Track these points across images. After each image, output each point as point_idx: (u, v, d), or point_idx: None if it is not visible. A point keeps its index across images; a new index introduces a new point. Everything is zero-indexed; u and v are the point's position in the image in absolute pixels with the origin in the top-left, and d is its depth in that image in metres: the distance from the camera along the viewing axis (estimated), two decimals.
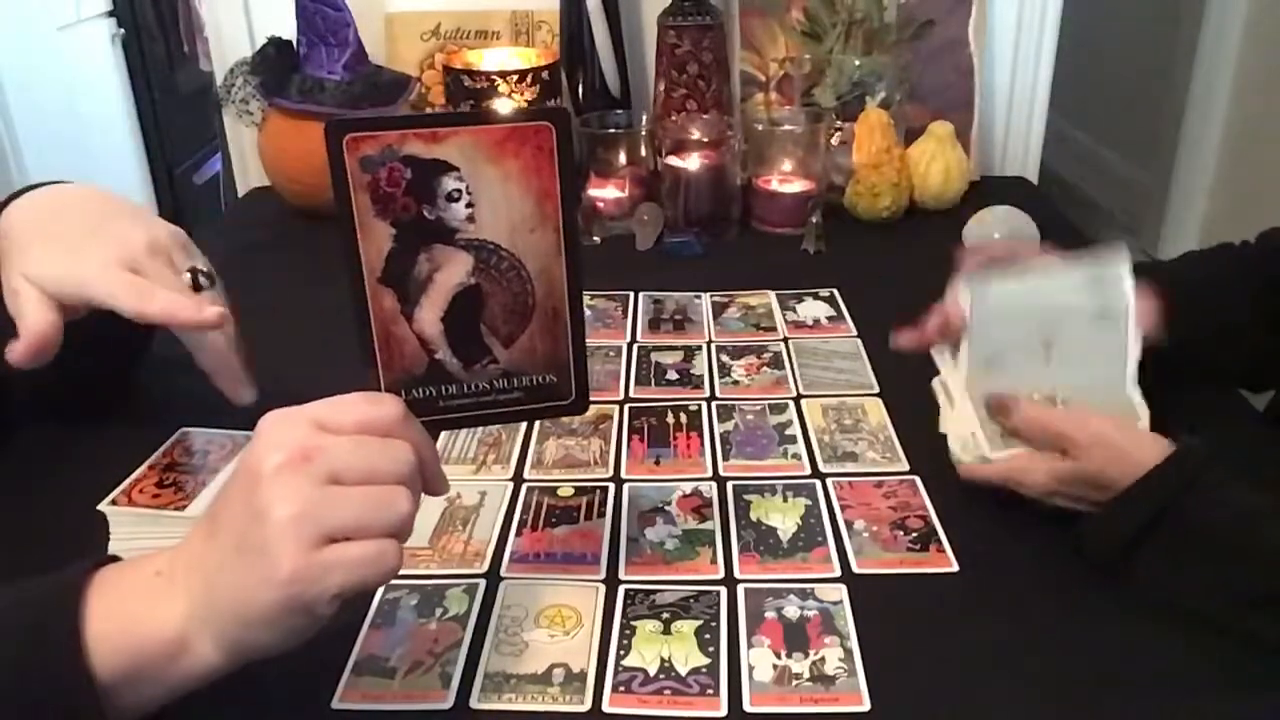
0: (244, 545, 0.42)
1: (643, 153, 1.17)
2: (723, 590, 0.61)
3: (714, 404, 0.81)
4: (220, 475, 0.71)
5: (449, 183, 0.50)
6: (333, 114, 1.13)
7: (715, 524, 0.67)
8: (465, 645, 0.57)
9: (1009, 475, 0.65)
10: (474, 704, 0.53)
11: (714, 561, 0.63)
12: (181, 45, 2.97)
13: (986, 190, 1.25)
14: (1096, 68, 2.80)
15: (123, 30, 2.84)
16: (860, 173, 1.17)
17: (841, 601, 0.60)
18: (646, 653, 0.56)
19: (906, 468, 0.72)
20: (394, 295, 0.51)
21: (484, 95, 1.15)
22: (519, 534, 0.66)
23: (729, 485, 0.71)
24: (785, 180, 1.17)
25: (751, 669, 0.55)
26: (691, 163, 1.13)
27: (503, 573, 0.63)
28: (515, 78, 1.15)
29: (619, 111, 1.21)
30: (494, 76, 1.15)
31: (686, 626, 0.58)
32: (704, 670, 0.55)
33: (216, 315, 0.63)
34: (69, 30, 2.62)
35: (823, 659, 0.55)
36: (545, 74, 1.17)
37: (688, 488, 0.71)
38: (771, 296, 1.00)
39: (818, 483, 0.71)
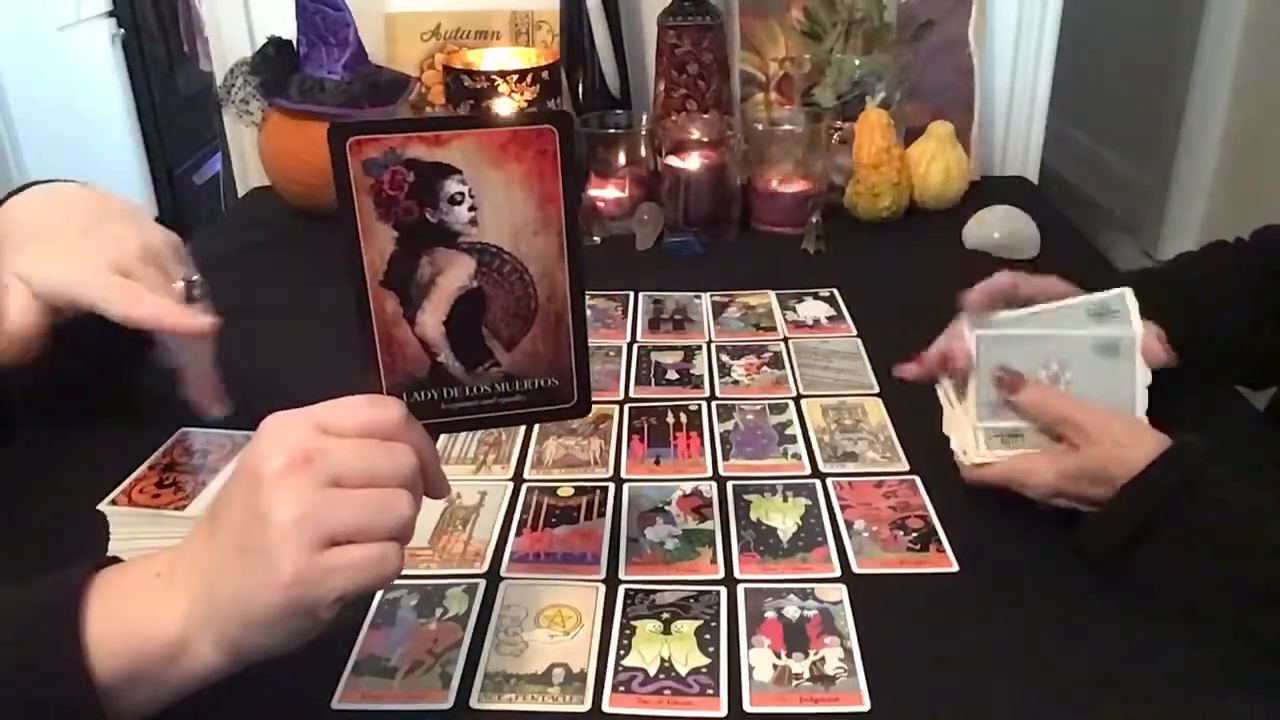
0: (245, 547, 0.42)
1: (643, 153, 1.17)
2: (723, 590, 0.61)
3: (714, 404, 0.81)
4: (220, 475, 0.71)
5: (452, 186, 0.50)
6: (333, 114, 1.13)
7: (715, 524, 0.67)
8: (465, 645, 0.57)
9: (1012, 476, 0.65)
10: (474, 704, 0.53)
11: (714, 561, 0.63)
12: (181, 45, 2.98)
13: (986, 190, 1.25)
14: (1096, 68, 2.80)
15: (123, 30, 2.84)
16: (860, 173, 1.17)
17: (841, 601, 0.60)
18: (646, 653, 0.56)
19: (906, 468, 0.72)
20: (396, 298, 0.51)
21: (484, 95, 1.15)
22: (519, 534, 0.66)
23: (729, 485, 0.71)
24: (785, 180, 1.17)
25: (751, 669, 0.55)
26: (691, 163, 1.13)
27: (503, 573, 0.63)
28: (515, 78, 1.15)
29: (619, 111, 1.21)
30: (494, 76, 1.15)
31: (686, 626, 0.58)
32: (704, 670, 0.55)
33: (206, 323, 0.63)
34: (69, 30, 2.62)
35: (823, 659, 0.55)
36: (545, 74, 1.17)
37: (688, 488, 0.71)
38: (771, 296, 1.00)
39: (818, 483, 0.71)
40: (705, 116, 1.21)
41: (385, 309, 0.51)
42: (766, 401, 0.81)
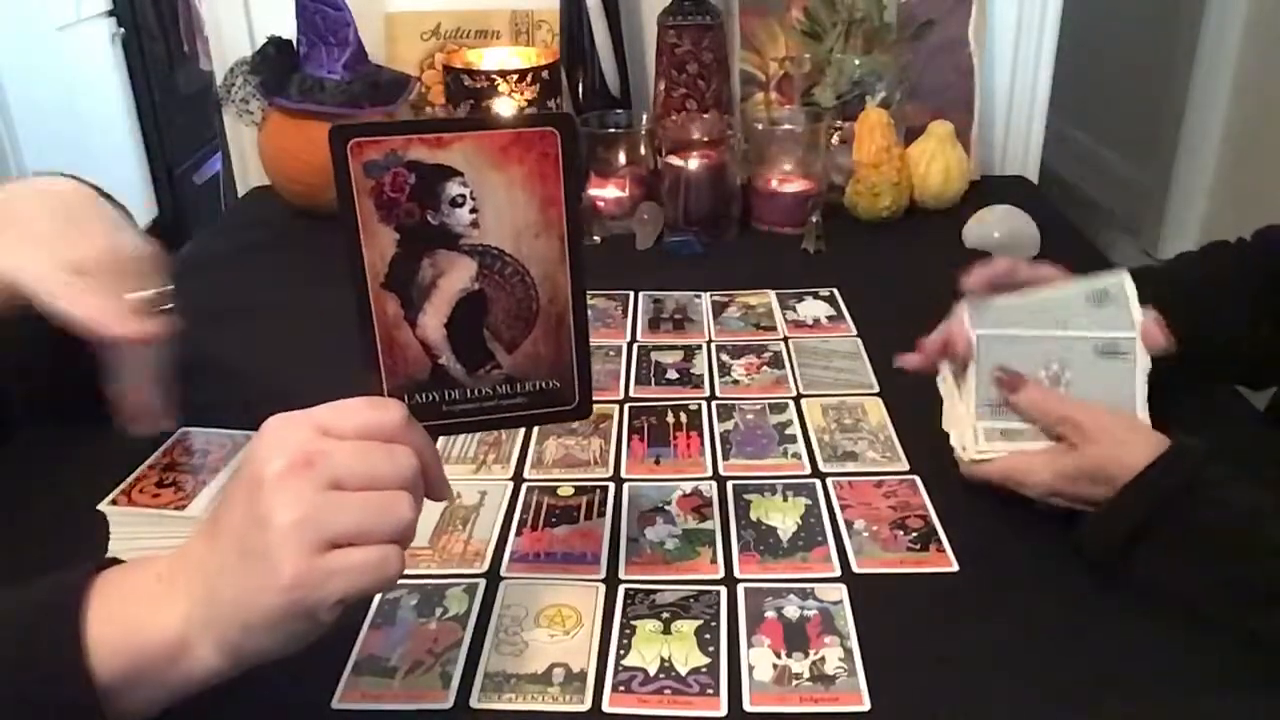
0: (246, 550, 0.42)
1: (643, 152, 1.17)
2: (723, 590, 0.61)
3: (714, 403, 0.81)
4: (220, 475, 0.71)
5: (453, 188, 0.49)
6: (332, 113, 1.13)
7: (715, 524, 0.67)
8: (465, 645, 0.57)
9: (1010, 474, 0.65)
10: (474, 704, 0.53)
11: (714, 561, 0.63)
12: (181, 45, 2.98)
13: (986, 190, 1.25)
14: (1096, 68, 2.80)
15: (123, 30, 2.84)
16: (860, 172, 1.17)
17: (841, 601, 0.60)
18: (646, 652, 0.56)
19: (906, 467, 0.72)
20: (397, 300, 0.51)
21: (484, 95, 1.15)
22: (519, 534, 0.66)
23: (729, 485, 0.71)
24: (785, 180, 1.17)
25: (751, 669, 0.55)
26: (691, 162, 1.13)
27: (503, 572, 0.63)
28: (515, 78, 1.15)
29: (619, 111, 1.21)
30: (494, 76, 1.15)
31: (686, 626, 0.58)
32: (704, 670, 0.55)
33: (144, 330, 0.60)
34: (69, 30, 2.62)
35: (823, 659, 0.55)
36: (545, 74, 1.17)
37: (688, 487, 0.71)
38: (771, 296, 1.00)
39: (818, 482, 0.71)
40: (705, 116, 1.21)
41: (386, 311, 0.51)
42: (766, 401, 0.81)
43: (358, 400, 0.46)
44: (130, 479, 0.70)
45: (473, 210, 0.50)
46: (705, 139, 1.14)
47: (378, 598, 0.60)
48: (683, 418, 0.79)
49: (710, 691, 0.53)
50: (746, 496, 0.70)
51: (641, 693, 0.54)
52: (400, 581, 0.60)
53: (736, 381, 0.85)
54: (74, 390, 0.76)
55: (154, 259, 0.65)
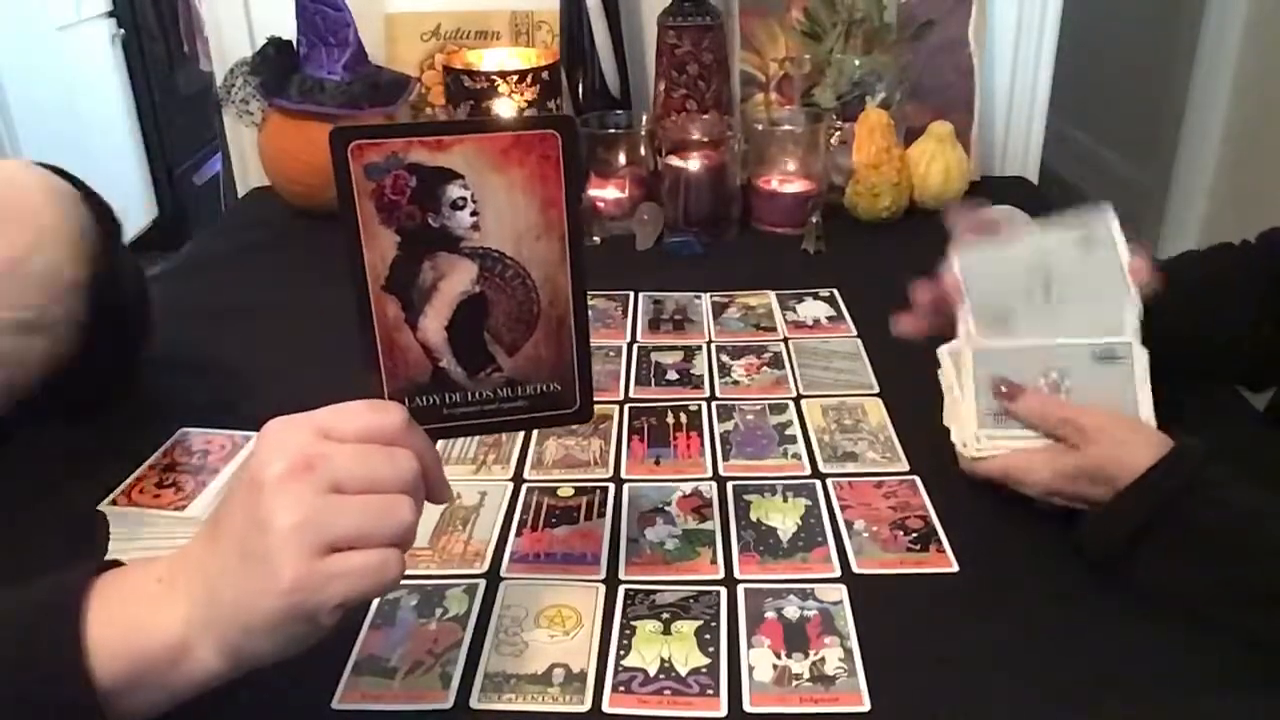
0: (246, 553, 0.42)
1: (643, 153, 1.17)
2: (723, 590, 0.61)
3: (714, 404, 0.81)
4: (220, 475, 0.71)
5: (454, 190, 0.49)
6: (332, 114, 1.13)
7: (715, 524, 0.67)
8: (465, 645, 0.57)
9: (1010, 473, 0.65)
10: (474, 704, 0.53)
11: (714, 561, 0.63)
12: (181, 45, 2.98)
13: (986, 190, 1.25)
14: (1096, 68, 2.80)
15: (123, 30, 2.84)
16: (860, 173, 1.17)
17: (841, 601, 0.60)
18: (646, 653, 0.56)
19: (906, 468, 0.72)
20: (398, 303, 0.51)
21: (484, 95, 1.15)
22: (519, 534, 0.66)
23: (729, 485, 0.71)
24: (785, 180, 1.17)
25: (751, 669, 0.55)
26: (691, 163, 1.13)
27: (503, 573, 0.63)
28: (515, 78, 1.15)
29: (619, 111, 1.21)
30: (494, 77, 1.15)
31: (686, 627, 0.58)
32: (704, 670, 0.55)
33: None
34: (69, 30, 2.62)
35: (823, 659, 0.55)
36: (545, 74, 1.17)
37: (688, 488, 0.71)
38: (771, 296, 1.00)
39: (818, 483, 0.71)
40: (705, 116, 1.21)
41: (387, 314, 0.51)
42: (766, 401, 0.81)
43: (358, 403, 0.46)
44: (130, 479, 0.70)
45: (473, 213, 0.50)
46: (705, 139, 1.14)
47: (378, 598, 0.60)
48: (683, 418, 0.79)
49: (710, 692, 0.53)
50: (746, 497, 0.70)
51: (641, 693, 0.54)
52: (400, 582, 0.60)
53: (736, 382, 0.85)
54: (74, 390, 0.76)
55: (53, 280, 0.63)
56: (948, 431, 0.70)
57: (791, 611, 0.59)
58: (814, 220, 1.12)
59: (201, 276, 1.11)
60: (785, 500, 0.69)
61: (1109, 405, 0.65)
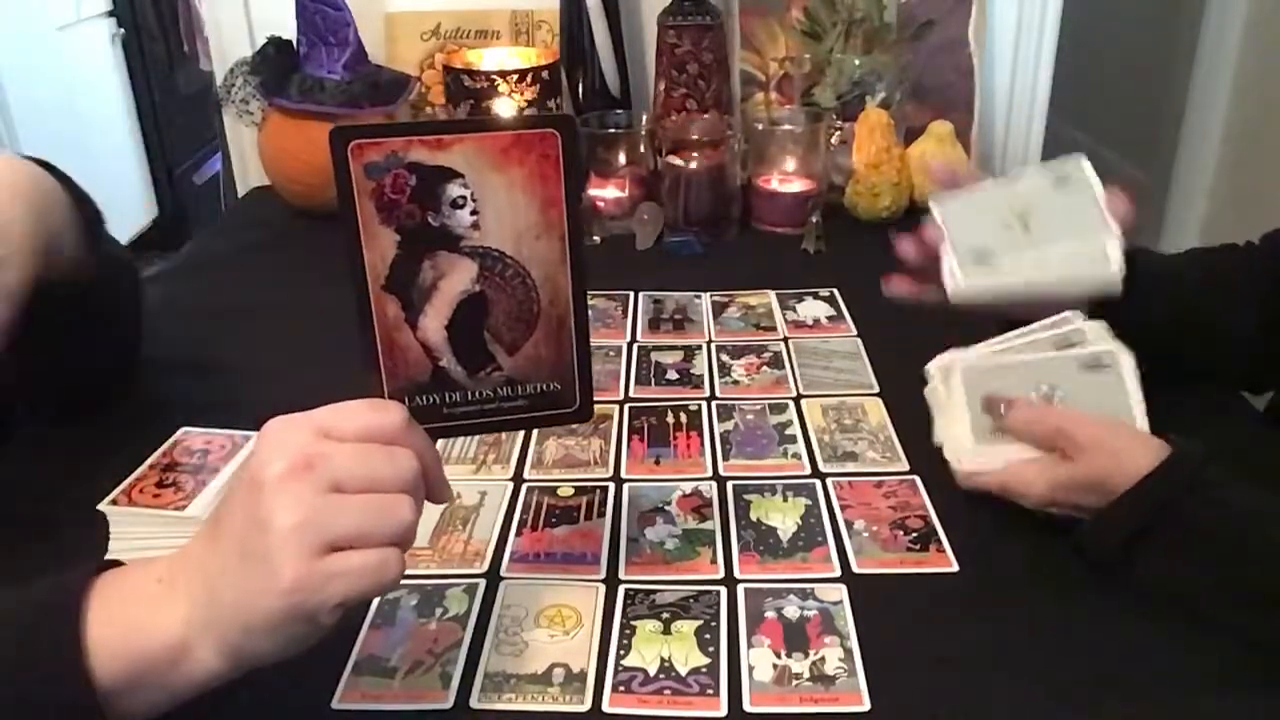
0: (246, 553, 0.42)
1: (643, 152, 1.17)
2: (723, 590, 0.61)
3: (714, 404, 0.81)
4: (220, 475, 0.71)
5: (454, 190, 0.49)
6: (332, 113, 1.13)
7: (715, 524, 0.67)
8: (465, 645, 0.57)
9: (1007, 487, 0.64)
10: (474, 704, 0.53)
11: (714, 561, 0.63)
12: (181, 45, 2.98)
13: None
14: (1096, 68, 2.80)
15: (123, 30, 2.84)
16: (860, 173, 1.17)
17: (841, 601, 0.60)
18: (646, 653, 0.56)
19: (906, 468, 0.72)
20: (398, 302, 0.51)
21: (484, 95, 1.15)
22: (519, 534, 0.66)
23: (729, 485, 0.71)
24: (785, 180, 1.17)
25: (751, 669, 0.55)
26: (691, 163, 1.13)
27: (503, 573, 0.63)
28: (515, 78, 1.15)
29: (619, 111, 1.21)
30: (494, 76, 1.15)
31: (686, 626, 0.58)
32: (704, 670, 0.55)
33: None
34: (69, 30, 2.62)
35: (823, 659, 0.55)
36: (545, 74, 1.17)
37: (688, 487, 0.71)
38: (771, 296, 1.00)
39: (818, 483, 0.71)
40: (705, 116, 1.21)
41: (387, 313, 0.51)
42: (766, 401, 0.81)
43: (358, 402, 0.46)
44: (130, 479, 0.70)
45: (473, 212, 0.50)
46: (705, 139, 1.14)
47: (378, 598, 0.60)
48: (683, 418, 0.79)
49: (710, 692, 0.53)
50: (746, 497, 0.70)
51: (641, 693, 0.54)
52: (400, 581, 0.60)
53: (736, 382, 0.85)
54: (74, 390, 0.76)
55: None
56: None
57: (791, 611, 0.59)
58: (814, 220, 1.12)
59: (201, 276, 1.11)
60: (785, 500, 0.69)
61: (1103, 413, 0.65)
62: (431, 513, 0.67)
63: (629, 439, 0.77)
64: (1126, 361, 0.65)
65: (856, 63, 1.22)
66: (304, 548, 0.42)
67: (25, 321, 0.60)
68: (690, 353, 0.90)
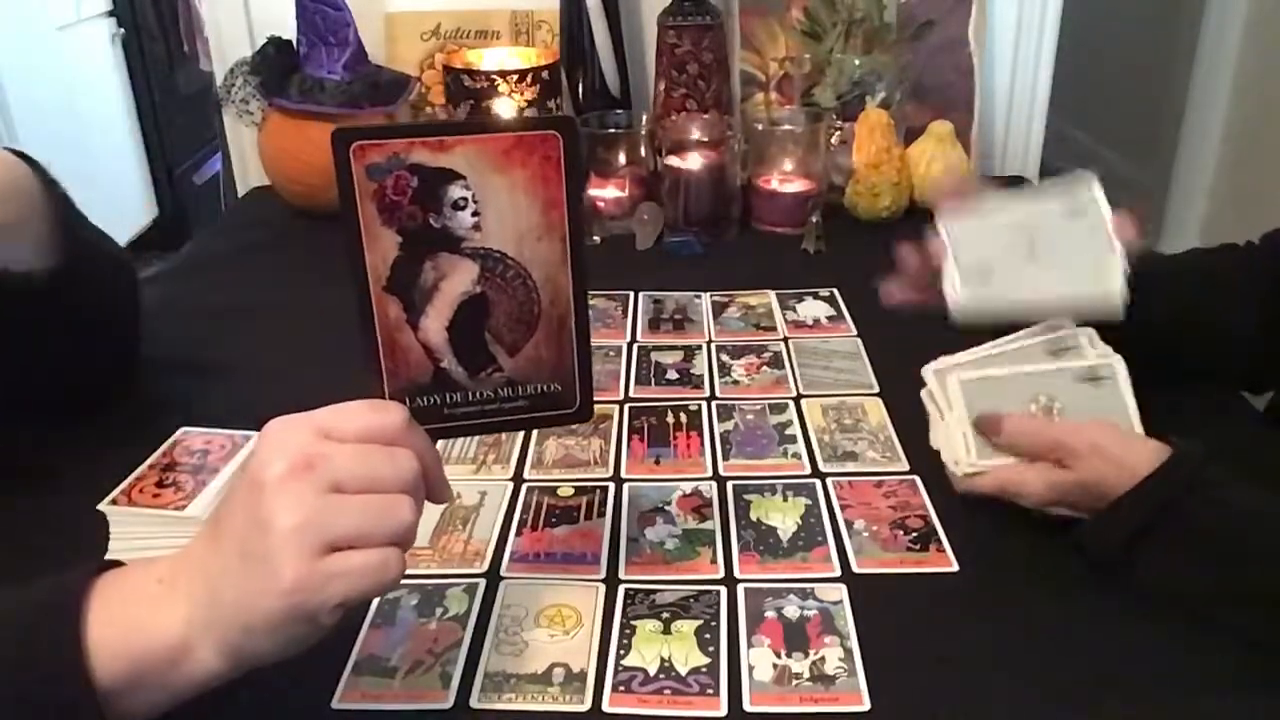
0: (247, 553, 0.42)
1: (643, 153, 1.17)
2: (723, 590, 0.61)
3: (714, 404, 0.81)
4: (220, 475, 0.71)
5: (455, 191, 0.49)
6: (332, 114, 1.13)
7: (715, 524, 0.67)
8: (465, 645, 0.57)
9: (1005, 488, 0.64)
10: (474, 704, 0.53)
11: (714, 561, 0.63)
12: (181, 45, 2.98)
13: None
14: (1096, 68, 2.80)
15: (123, 30, 2.84)
16: (860, 173, 1.17)
17: (841, 601, 0.60)
18: (646, 652, 0.56)
19: (906, 467, 0.72)
20: (399, 303, 0.51)
21: (484, 95, 1.15)
22: (519, 534, 0.66)
23: (729, 485, 0.71)
24: (785, 180, 1.17)
25: (751, 669, 0.55)
26: (691, 163, 1.13)
27: (503, 572, 0.63)
28: (515, 78, 1.15)
29: (619, 111, 1.21)
30: (494, 76, 1.15)
31: (686, 626, 0.58)
32: (704, 670, 0.55)
33: None
34: (69, 30, 2.62)
35: (823, 659, 0.55)
36: (545, 74, 1.17)
37: (688, 487, 0.71)
38: (771, 296, 1.00)
39: (818, 482, 0.71)
40: (705, 116, 1.21)
41: (388, 314, 0.51)
42: (766, 401, 0.81)
43: (359, 403, 0.46)
44: (130, 479, 0.70)
45: (475, 213, 0.50)
46: (705, 139, 1.14)
47: (378, 598, 0.60)
48: (683, 418, 0.79)
49: (710, 691, 0.53)
50: (746, 496, 0.70)
51: (641, 693, 0.54)
52: (400, 582, 0.60)
53: (736, 382, 0.85)
54: (73, 390, 0.76)
55: None
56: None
57: (791, 611, 0.59)
58: (814, 220, 1.12)
59: (201, 276, 1.11)
60: (785, 500, 0.69)
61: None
62: (431, 512, 0.67)
63: (629, 439, 0.77)
64: (1122, 371, 0.65)
65: (856, 63, 1.22)
66: (304, 548, 0.42)
67: None
68: (690, 353, 0.90)
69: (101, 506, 0.67)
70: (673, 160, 1.13)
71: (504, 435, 0.77)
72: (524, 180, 0.50)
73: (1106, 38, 2.81)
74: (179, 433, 0.76)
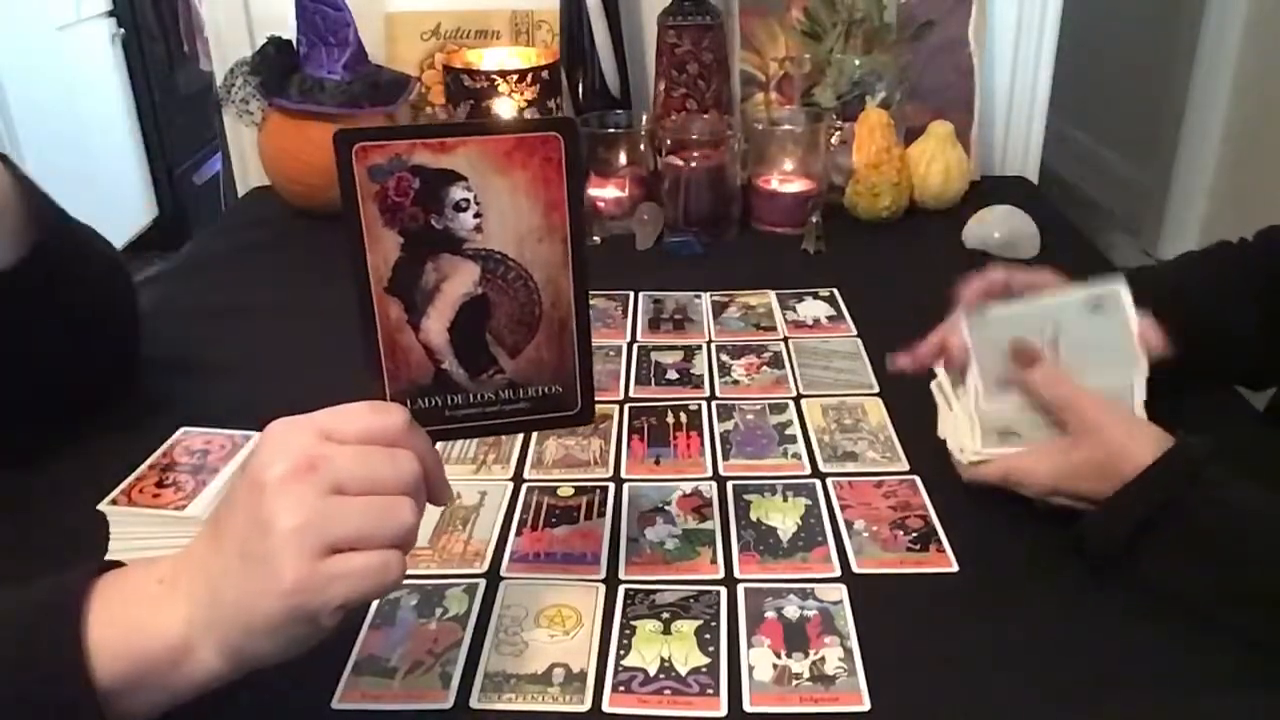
0: (247, 554, 0.42)
1: (643, 152, 1.17)
2: (723, 590, 0.61)
3: (714, 404, 0.81)
4: (220, 475, 0.71)
5: (457, 192, 0.49)
6: (332, 114, 1.13)
7: (715, 524, 0.67)
8: (465, 645, 0.57)
9: (1010, 474, 0.65)
10: (474, 704, 0.53)
11: (714, 561, 0.63)
12: (181, 45, 2.98)
13: (986, 190, 1.25)
14: (1096, 68, 2.80)
15: (123, 30, 2.84)
16: (860, 173, 1.17)
17: (841, 601, 0.60)
18: (646, 652, 0.56)
19: (906, 467, 0.72)
20: (400, 305, 0.51)
21: (484, 95, 1.15)
22: (519, 534, 0.66)
23: (729, 485, 0.71)
24: (785, 180, 1.17)
25: (751, 669, 0.55)
26: (692, 163, 1.13)
27: (503, 573, 0.63)
28: (515, 78, 1.15)
29: (619, 111, 1.21)
30: (494, 76, 1.15)
31: (686, 626, 0.58)
32: (704, 670, 0.55)
33: None
34: (69, 30, 2.62)
35: (823, 659, 0.55)
36: (545, 74, 1.17)
37: (688, 487, 0.71)
38: (771, 296, 1.00)
39: (818, 482, 0.71)
40: (705, 116, 1.21)
41: (389, 315, 0.51)
42: (766, 401, 0.81)
43: (360, 405, 0.46)
44: (130, 479, 0.70)
45: (476, 215, 0.50)
46: (705, 139, 1.14)
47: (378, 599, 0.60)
48: (683, 418, 0.79)
49: (710, 691, 0.53)
50: (746, 496, 0.70)
51: (641, 693, 0.54)
52: (401, 583, 0.60)
53: (736, 382, 0.85)
54: (74, 390, 0.76)
55: None
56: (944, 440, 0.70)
57: (791, 611, 0.59)
58: (814, 220, 1.12)
59: (201, 276, 1.11)
60: (785, 500, 0.69)
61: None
62: (431, 513, 0.67)
63: (629, 439, 0.77)
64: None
65: (856, 63, 1.22)
66: (305, 549, 0.42)
67: None
68: (690, 353, 0.90)
69: (101, 506, 0.67)
70: (673, 160, 1.13)
71: (504, 436, 0.76)
72: (525, 182, 0.50)
73: (1106, 38, 2.81)
74: (179, 433, 0.76)
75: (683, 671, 0.55)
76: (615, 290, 1.01)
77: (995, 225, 1.10)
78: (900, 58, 1.23)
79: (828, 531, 0.66)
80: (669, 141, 1.15)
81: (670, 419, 0.79)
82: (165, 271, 1.13)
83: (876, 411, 0.80)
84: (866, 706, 0.52)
